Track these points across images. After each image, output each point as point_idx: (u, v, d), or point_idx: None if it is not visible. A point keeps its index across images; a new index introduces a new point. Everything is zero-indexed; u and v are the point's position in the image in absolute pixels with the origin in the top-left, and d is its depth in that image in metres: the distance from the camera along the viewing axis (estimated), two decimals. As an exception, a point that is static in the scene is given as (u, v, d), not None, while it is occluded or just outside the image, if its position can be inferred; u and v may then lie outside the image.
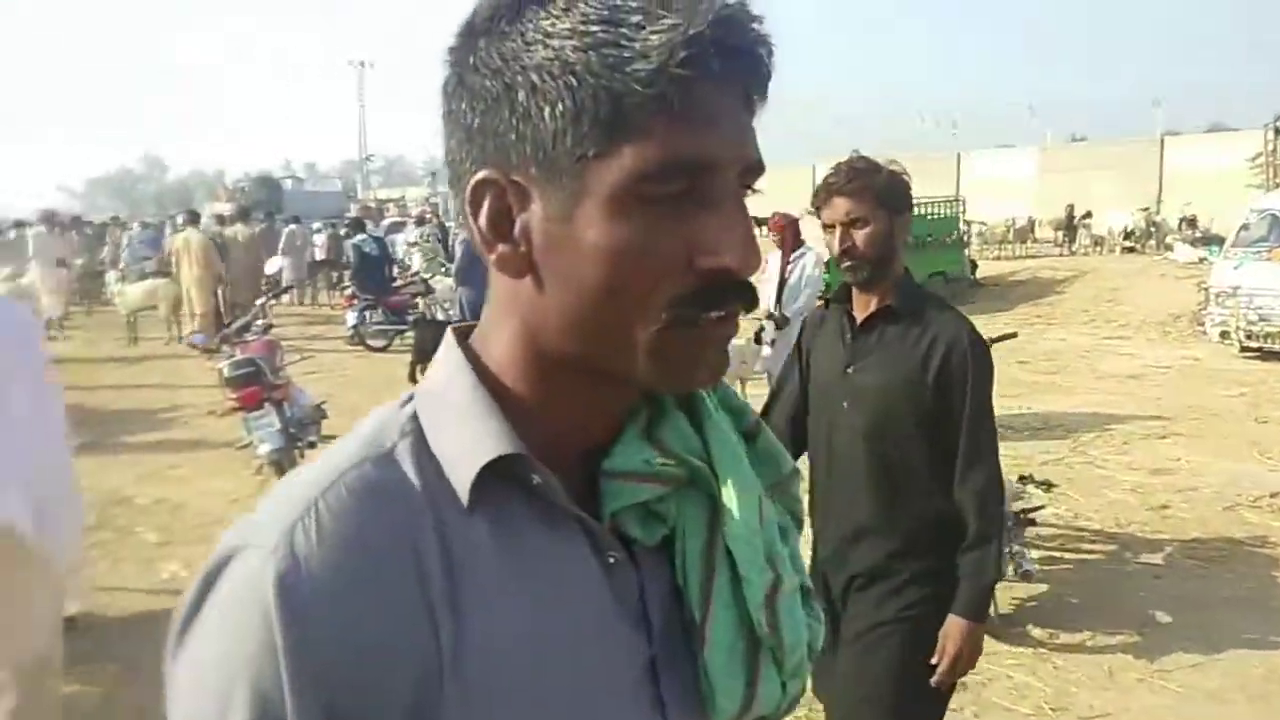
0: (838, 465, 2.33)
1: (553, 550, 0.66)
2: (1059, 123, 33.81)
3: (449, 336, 0.73)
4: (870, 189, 2.20)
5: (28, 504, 2.37)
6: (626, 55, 0.60)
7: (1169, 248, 20.18)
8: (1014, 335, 6.13)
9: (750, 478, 0.73)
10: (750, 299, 0.66)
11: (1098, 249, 23.27)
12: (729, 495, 0.71)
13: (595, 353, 0.66)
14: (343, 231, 17.97)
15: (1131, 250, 22.20)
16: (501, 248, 0.66)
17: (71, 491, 2.62)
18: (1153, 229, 22.96)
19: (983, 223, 23.72)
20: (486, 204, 0.65)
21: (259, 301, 7.98)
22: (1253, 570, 4.98)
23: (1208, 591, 4.70)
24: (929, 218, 18.67)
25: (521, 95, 0.62)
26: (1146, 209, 23.93)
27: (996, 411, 5.51)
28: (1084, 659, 4.05)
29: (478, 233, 0.66)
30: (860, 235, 2.20)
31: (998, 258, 22.98)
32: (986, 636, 4.12)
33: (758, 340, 7.10)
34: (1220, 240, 15.63)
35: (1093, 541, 5.42)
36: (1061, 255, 22.98)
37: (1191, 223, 22.96)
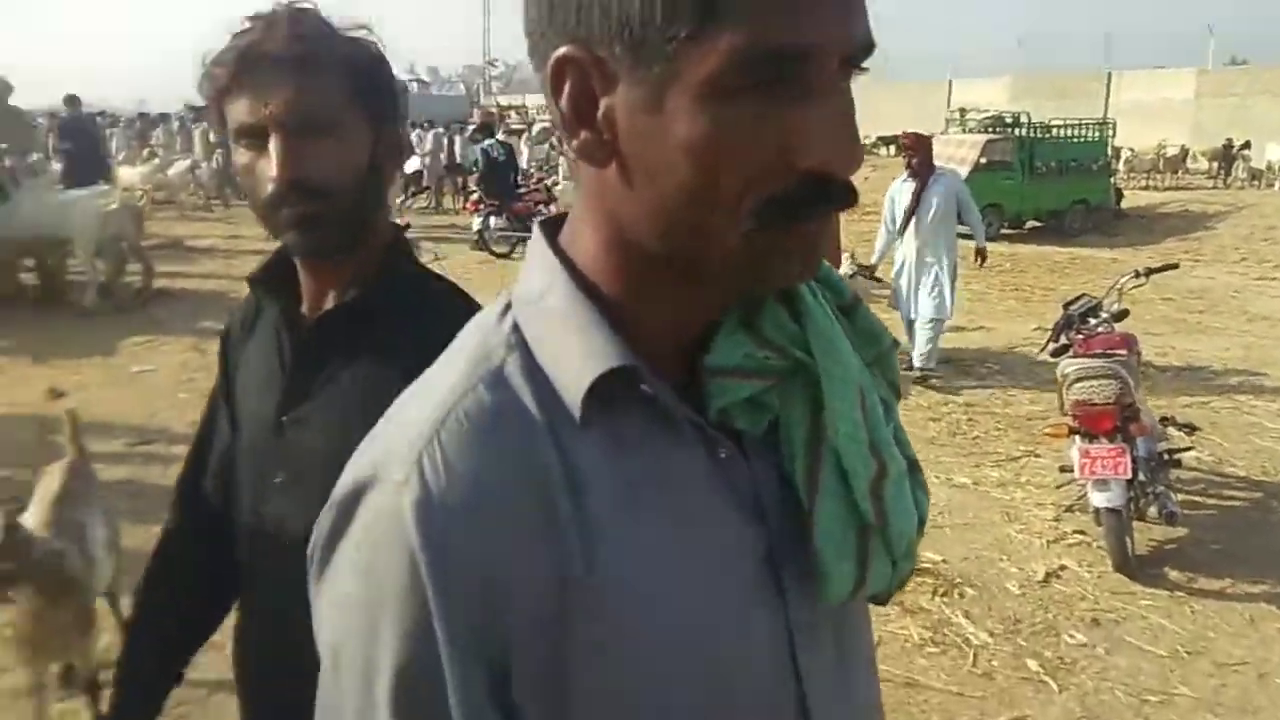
0: (266, 588, 1.27)
1: (666, 453, 0.65)
2: (1219, 44, 31.43)
3: (537, 234, 0.70)
4: (335, 66, 1.17)
5: None
6: None
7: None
8: (1175, 266, 5.82)
9: (849, 364, 0.70)
10: (850, 200, 0.61)
11: (1255, 184, 21.76)
12: (829, 386, 0.68)
13: (683, 251, 0.62)
14: (469, 136, 18.27)
15: (1294, 185, 20.69)
16: (584, 134, 0.61)
17: None
18: (1320, 163, 21.32)
19: (1131, 149, 22.42)
20: (568, 84, 0.60)
21: (397, 200, 8.18)
22: None
23: (1362, 547, 4.46)
24: (1075, 141, 17.74)
25: None
26: (1315, 141, 22.20)
27: (1144, 352, 5.25)
28: (1223, 605, 3.92)
29: (559, 115, 0.61)
30: (318, 153, 1.16)
31: (1145, 187, 21.76)
32: (1121, 576, 4.10)
33: None
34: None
35: (1237, 488, 5.19)
36: (1215, 189, 21.58)
37: (1366, 158, 21.23)
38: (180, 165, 17.54)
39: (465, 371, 0.65)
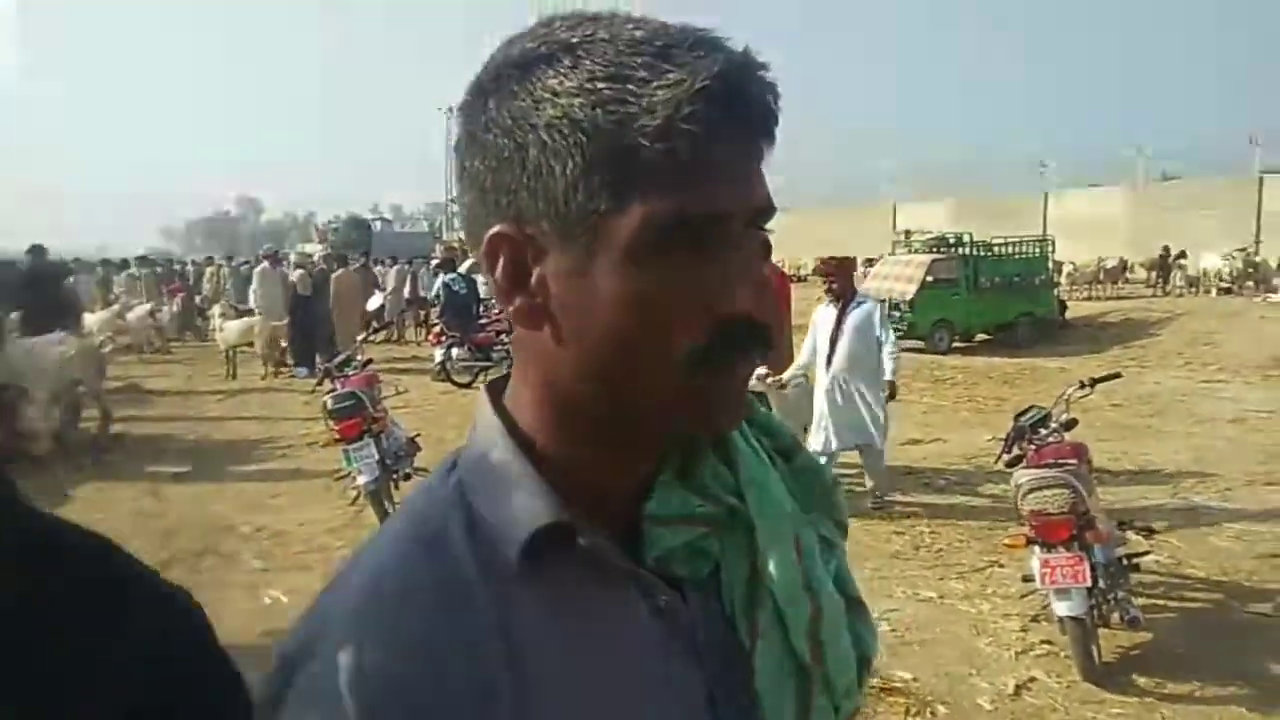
0: None
1: (605, 604, 0.67)
2: (1150, 161, 33.47)
3: (483, 395, 0.75)
4: None
5: None
6: (632, 111, 0.60)
7: (1273, 289, 19.49)
8: (1119, 375, 6.00)
9: (783, 508, 0.74)
10: (768, 344, 0.67)
11: (1192, 290, 22.59)
12: (762, 532, 0.72)
13: (616, 404, 0.66)
14: (433, 270, 18.68)
15: (1228, 292, 21.49)
16: (519, 299, 0.66)
17: None
18: (1251, 270, 22.21)
19: (1072, 263, 23.26)
20: (503, 257, 0.66)
21: (359, 337, 8.25)
22: (1372, 624, 4.76)
23: (1324, 644, 4.50)
24: (1017, 257, 18.42)
25: (533, 153, 0.62)
26: (1244, 249, 23.19)
27: (1094, 457, 5.30)
28: (1192, 710, 3.91)
29: (495, 284, 0.67)
30: None
31: (1088, 298, 22.48)
32: (1090, 685, 4.08)
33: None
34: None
35: (1197, 590, 5.24)
36: (1154, 296, 22.35)
37: (1292, 263, 22.19)
38: (140, 309, 17.63)
39: (408, 531, 0.68)
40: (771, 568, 0.71)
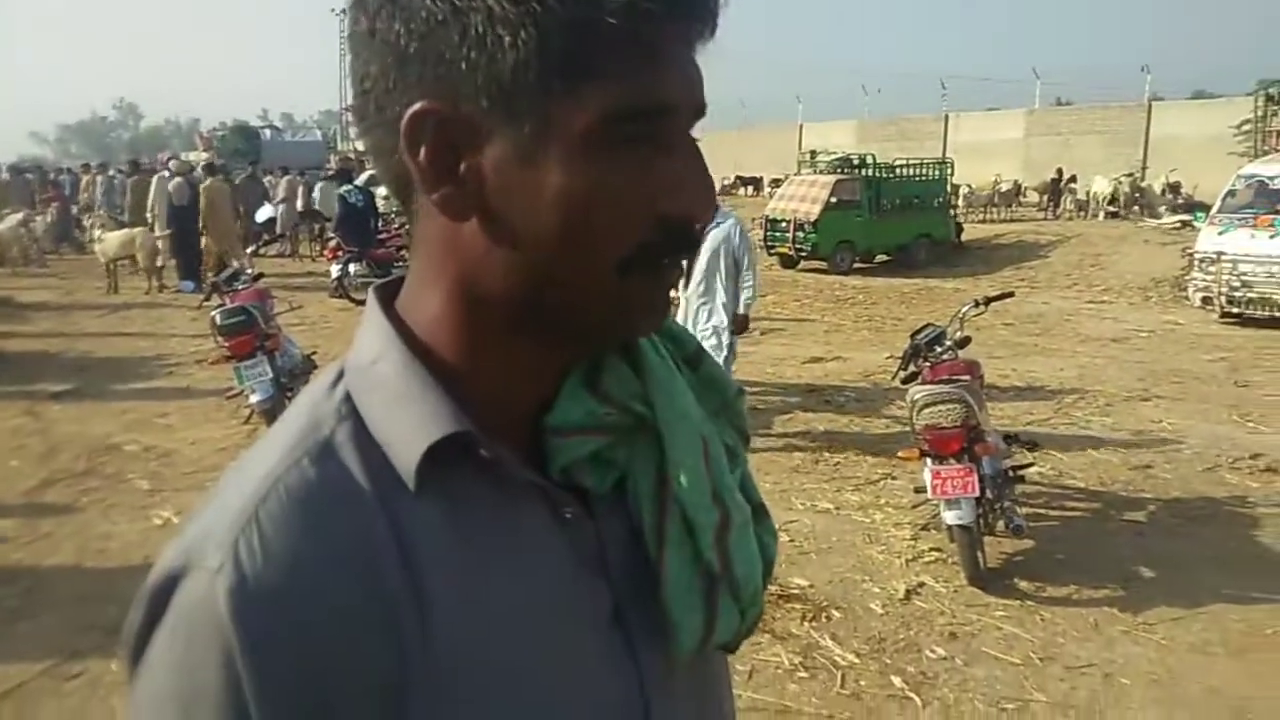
0: None
1: (507, 518, 0.64)
2: (1046, 87, 34.38)
3: (372, 299, 0.69)
4: None
5: None
6: None
7: (1157, 215, 20.32)
8: (1011, 295, 6.18)
9: (691, 415, 0.71)
10: (696, 247, 0.66)
11: (1081, 214, 23.38)
12: (670, 439, 0.69)
13: (546, 302, 0.62)
14: (321, 182, 17.90)
15: (1115, 215, 22.32)
16: (446, 188, 0.60)
17: None
18: (1137, 194, 23.08)
19: (969, 185, 23.79)
20: (429, 139, 0.59)
21: (249, 250, 7.92)
22: (1232, 529, 5.08)
23: (1189, 549, 4.79)
24: (917, 179, 18.73)
25: (476, 20, 0.56)
26: (1131, 174, 24.07)
27: (985, 374, 5.47)
28: (1070, 611, 4.13)
29: (417, 170, 0.60)
30: None
31: (983, 220, 23.06)
32: (975, 589, 4.28)
33: None
34: (1203, 206, 15.80)
35: (1077, 499, 5.51)
36: (1046, 220, 23.07)
37: (1174, 188, 23.14)
38: (12, 219, 16.54)
39: (291, 445, 0.62)
40: (681, 476, 0.68)
